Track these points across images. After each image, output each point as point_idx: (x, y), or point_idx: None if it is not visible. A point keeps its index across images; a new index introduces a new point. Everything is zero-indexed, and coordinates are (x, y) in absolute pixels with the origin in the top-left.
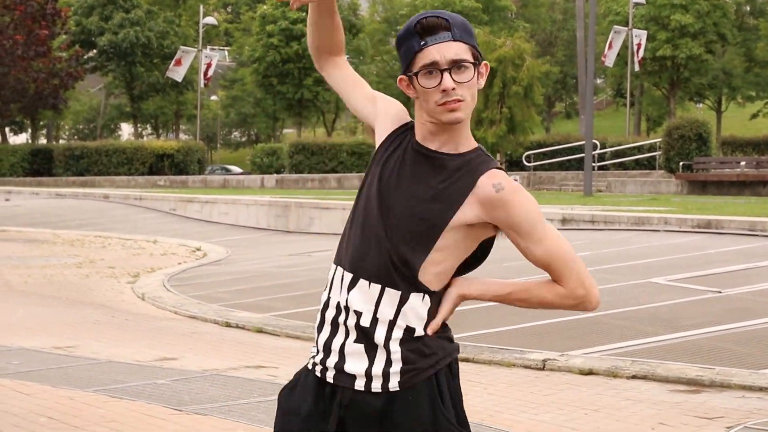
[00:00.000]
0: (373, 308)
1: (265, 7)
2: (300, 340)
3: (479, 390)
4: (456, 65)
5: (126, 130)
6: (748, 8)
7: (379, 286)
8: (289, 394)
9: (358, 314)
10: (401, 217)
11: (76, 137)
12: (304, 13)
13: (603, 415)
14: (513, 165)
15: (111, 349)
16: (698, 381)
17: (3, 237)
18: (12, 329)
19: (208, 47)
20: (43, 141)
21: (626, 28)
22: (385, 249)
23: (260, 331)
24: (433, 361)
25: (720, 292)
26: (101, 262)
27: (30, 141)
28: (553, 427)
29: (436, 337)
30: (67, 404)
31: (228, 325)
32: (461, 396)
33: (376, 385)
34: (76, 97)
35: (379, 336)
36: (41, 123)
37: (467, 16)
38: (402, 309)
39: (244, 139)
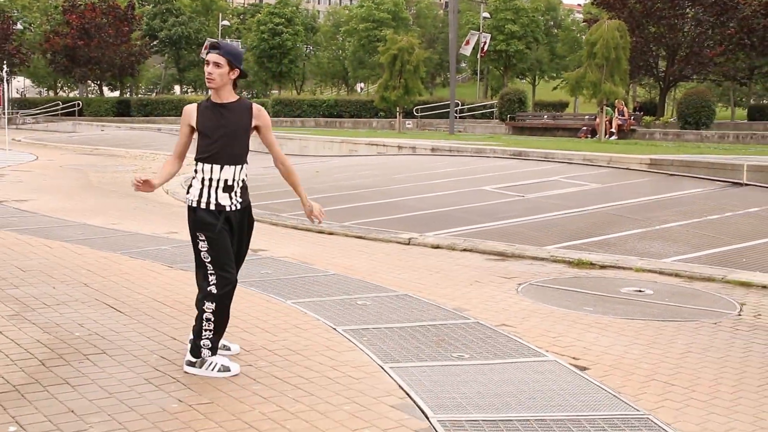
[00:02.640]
0: (233, 175)
1: (260, 15)
2: (260, 222)
3: (365, 257)
4: (215, 63)
5: (177, 89)
6: (552, 22)
7: (235, 165)
8: (203, 213)
9: (225, 180)
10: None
11: (149, 93)
12: (283, 20)
13: (441, 275)
14: (408, 115)
15: (140, 225)
16: (504, 253)
17: (95, 153)
18: (83, 212)
19: (227, 39)
20: (127, 95)
21: (478, 32)
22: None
23: None
24: (248, 197)
25: (523, 196)
26: (149, 169)
27: (119, 95)
28: (408, 282)
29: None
30: (102, 262)
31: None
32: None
33: (236, 206)
34: (146, 69)
35: (235, 187)
36: (127, 85)
37: (382, 23)
38: (242, 173)
39: (249, 96)
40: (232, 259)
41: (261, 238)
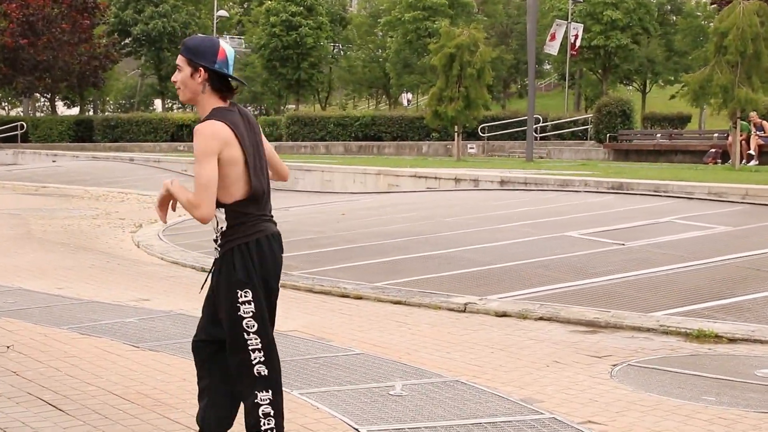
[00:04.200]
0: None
1: (270, 1)
2: None
3: (403, 331)
4: (177, 68)
5: (159, 105)
6: (669, 7)
7: None
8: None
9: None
10: None
11: (119, 111)
12: (301, 8)
13: (507, 354)
14: (470, 135)
15: (97, 290)
16: (595, 323)
17: (42, 192)
18: (18, 271)
19: (226, 35)
20: (89, 113)
21: (567, 22)
22: None
23: None
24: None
25: (623, 244)
26: (115, 214)
27: (79, 112)
28: (461, 364)
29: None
30: (40, 340)
31: (203, 270)
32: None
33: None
34: (115, 77)
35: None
36: (89, 99)
37: (435, 11)
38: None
39: (255, 113)
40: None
41: None
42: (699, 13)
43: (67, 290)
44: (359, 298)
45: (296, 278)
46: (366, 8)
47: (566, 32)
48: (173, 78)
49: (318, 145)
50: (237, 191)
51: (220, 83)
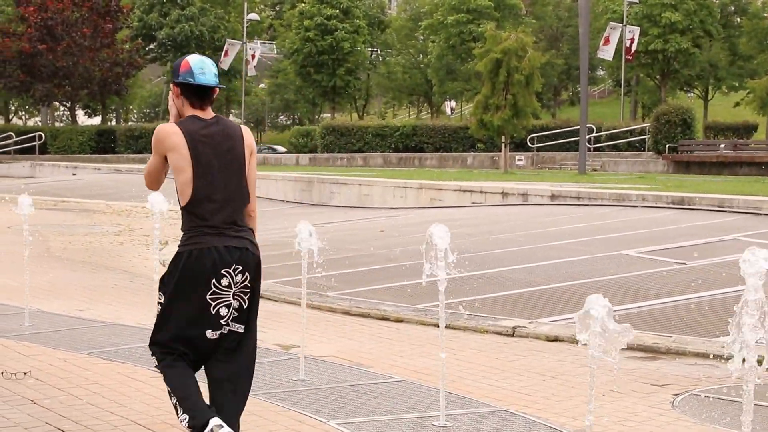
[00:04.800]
0: None
1: (303, 4)
2: (294, 305)
3: (448, 356)
4: None
5: None
6: (733, 7)
7: None
8: None
9: None
10: None
11: (143, 120)
12: (337, 11)
13: (560, 382)
14: (518, 146)
15: (120, 312)
16: (655, 348)
17: (62, 207)
18: (36, 292)
19: (257, 40)
20: (111, 123)
21: (622, 25)
22: None
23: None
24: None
25: (685, 263)
26: (139, 231)
27: (101, 122)
28: (510, 393)
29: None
30: (59, 366)
31: None
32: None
33: None
34: (139, 85)
35: None
36: (111, 108)
37: (480, 14)
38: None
39: (288, 122)
40: None
41: (292, 327)
42: (766, 15)
43: (87, 312)
44: (400, 321)
45: (332, 299)
46: (406, 11)
47: (621, 36)
48: None
49: (355, 157)
50: (184, 197)
51: (190, 93)
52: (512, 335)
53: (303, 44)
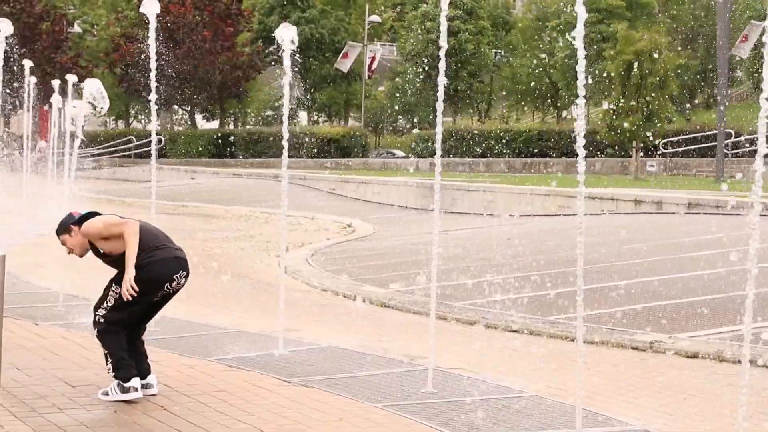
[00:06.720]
0: None
1: (425, 5)
2: (420, 315)
3: (583, 371)
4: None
5: (304, 118)
6: None
7: None
8: None
9: None
10: None
11: (261, 124)
12: (460, 11)
13: (701, 400)
14: (651, 152)
15: (243, 318)
16: None
17: (181, 211)
18: None
19: (377, 42)
20: (230, 127)
21: (762, 23)
22: None
23: (384, 305)
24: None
25: None
26: (259, 237)
27: (219, 126)
28: (649, 411)
29: None
30: (186, 372)
31: (355, 298)
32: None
33: None
34: (258, 88)
35: None
36: (229, 112)
37: (611, 14)
38: None
39: (408, 126)
40: None
41: (418, 337)
42: None
43: (211, 318)
44: (531, 333)
45: (457, 309)
46: (532, 11)
47: (762, 34)
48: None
49: (478, 163)
50: None
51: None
52: (649, 350)
53: (425, 46)
